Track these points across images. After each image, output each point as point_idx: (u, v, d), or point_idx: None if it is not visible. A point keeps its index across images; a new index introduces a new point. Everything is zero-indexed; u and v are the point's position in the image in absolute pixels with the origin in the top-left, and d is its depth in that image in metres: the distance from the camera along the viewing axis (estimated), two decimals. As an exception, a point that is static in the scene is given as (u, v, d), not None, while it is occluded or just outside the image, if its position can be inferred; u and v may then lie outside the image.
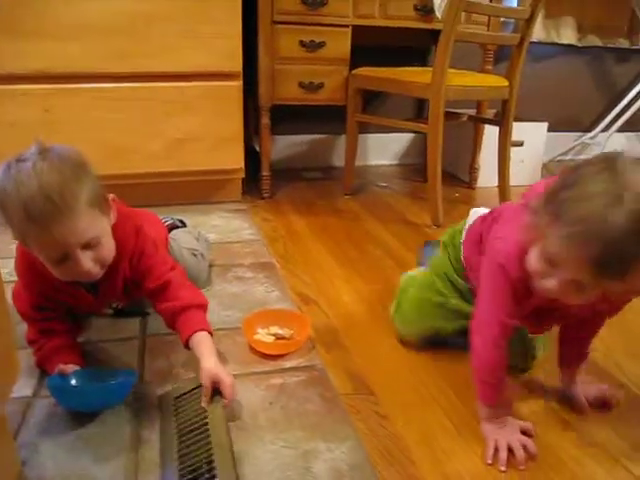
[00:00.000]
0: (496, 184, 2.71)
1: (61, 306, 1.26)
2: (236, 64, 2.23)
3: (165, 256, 1.34)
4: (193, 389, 1.15)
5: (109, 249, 1.16)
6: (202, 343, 1.18)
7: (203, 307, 1.26)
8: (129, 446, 1.06)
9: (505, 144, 2.56)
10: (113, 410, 1.14)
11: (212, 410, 1.09)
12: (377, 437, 1.12)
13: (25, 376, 1.22)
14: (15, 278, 1.24)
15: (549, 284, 0.93)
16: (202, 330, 1.19)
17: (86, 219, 1.07)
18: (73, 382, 1.14)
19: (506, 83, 2.42)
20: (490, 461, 1.06)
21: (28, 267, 1.19)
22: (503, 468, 1.05)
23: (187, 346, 1.20)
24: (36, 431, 1.09)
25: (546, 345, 1.35)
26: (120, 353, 1.34)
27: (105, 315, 1.44)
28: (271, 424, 1.12)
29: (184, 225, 1.79)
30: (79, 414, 1.12)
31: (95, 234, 1.10)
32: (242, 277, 1.76)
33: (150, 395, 1.19)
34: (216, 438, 1.02)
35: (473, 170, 2.95)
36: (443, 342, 1.41)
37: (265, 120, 2.47)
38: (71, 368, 1.17)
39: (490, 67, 2.78)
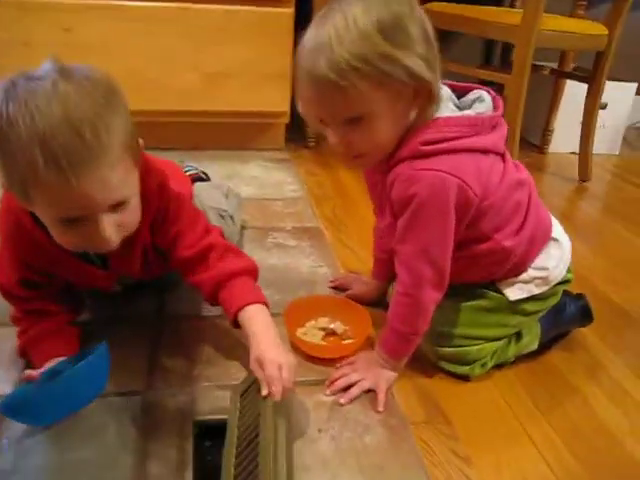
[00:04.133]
0: (570, 150, 2.48)
1: (56, 282, 0.99)
2: (288, -15, 1.90)
3: (196, 216, 1.05)
4: (253, 380, 0.89)
5: (136, 214, 0.88)
6: (255, 319, 0.94)
7: (253, 273, 1.03)
8: (135, 470, 0.80)
9: (593, 105, 2.21)
10: (113, 429, 0.87)
11: (262, 409, 0.82)
12: (459, 492, 0.84)
13: (6, 366, 0.97)
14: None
15: (331, 140, 0.91)
16: (255, 302, 0.95)
17: (120, 170, 0.79)
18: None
19: (605, 32, 2.06)
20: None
21: (14, 229, 0.90)
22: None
23: (236, 324, 0.96)
24: (13, 455, 0.82)
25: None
26: (127, 339, 1.06)
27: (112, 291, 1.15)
28: (319, 464, 0.84)
29: (209, 179, 1.49)
30: (66, 430, 0.86)
31: (127, 193, 0.83)
32: (283, 245, 1.47)
33: (161, 406, 0.92)
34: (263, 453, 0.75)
35: (547, 132, 2.60)
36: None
37: (317, 58, 2.13)
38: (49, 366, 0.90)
39: (582, 12, 2.38)
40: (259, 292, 0.99)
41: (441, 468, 0.87)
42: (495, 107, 0.97)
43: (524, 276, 1.05)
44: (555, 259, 1.07)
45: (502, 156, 0.99)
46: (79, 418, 0.87)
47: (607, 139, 2.66)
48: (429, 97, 0.88)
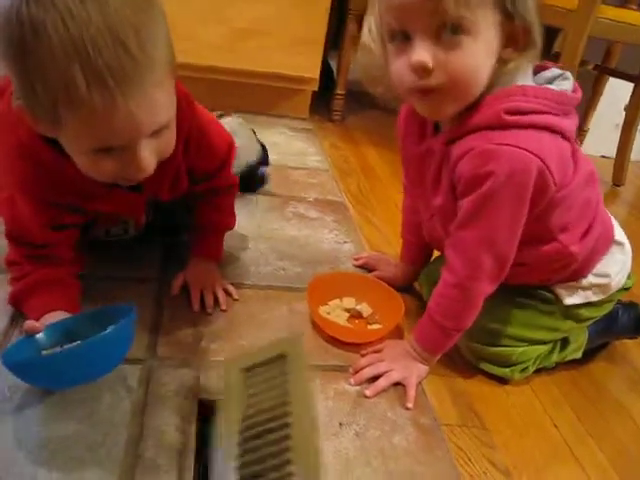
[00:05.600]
0: (600, 153, 2.38)
1: (82, 218, 0.87)
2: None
3: (220, 130, 0.99)
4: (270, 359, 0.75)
5: (173, 138, 0.77)
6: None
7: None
8: (126, 452, 0.68)
9: (637, 107, 2.08)
10: (106, 401, 0.75)
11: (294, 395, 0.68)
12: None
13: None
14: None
15: (413, 57, 0.74)
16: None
17: (166, 88, 0.69)
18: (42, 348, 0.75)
19: (664, 27, 1.92)
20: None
21: (32, 168, 0.78)
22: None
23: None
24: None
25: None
26: (128, 300, 0.93)
27: (119, 238, 1.03)
28: (341, 463, 0.73)
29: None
30: (53, 398, 0.74)
31: (171, 115, 0.72)
32: (305, 216, 1.34)
33: (162, 379, 0.80)
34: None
35: (580, 132, 2.47)
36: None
37: (352, 27, 2.01)
38: (49, 320, 0.78)
39: (635, 6, 2.25)
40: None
41: (478, 478, 0.76)
42: (574, 89, 0.84)
43: (583, 282, 0.93)
44: (618, 265, 0.95)
45: (571, 143, 0.86)
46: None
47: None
48: (525, 46, 0.75)
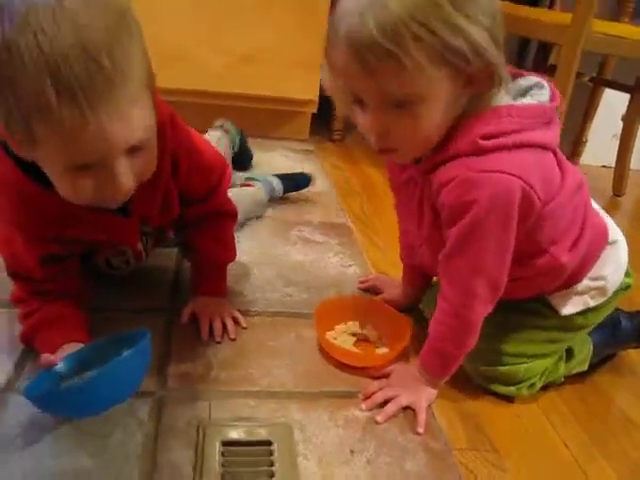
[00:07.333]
0: (600, 164, 2.40)
1: (76, 249, 0.88)
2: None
3: (212, 151, 1.00)
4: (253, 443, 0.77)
5: (153, 159, 0.76)
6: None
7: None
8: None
9: (634, 117, 2.09)
10: (118, 434, 0.75)
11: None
12: (512, 534, 0.73)
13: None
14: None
15: (364, 125, 0.78)
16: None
17: (141, 106, 0.68)
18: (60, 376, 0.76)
19: (658, 40, 1.93)
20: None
21: (16, 201, 0.78)
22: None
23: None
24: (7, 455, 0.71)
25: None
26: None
27: (122, 270, 1.03)
28: (353, 491, 0.73)
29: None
30: (63, 432, 0.75)
31: (147, 134, 0.71)
32: (310, 240, 1.35)
33: (173, 412, 0.81)
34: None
35: (579, 143, 2.47)
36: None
37: (349, 47, 2.02)
38: (64, 352, 0.79)
39: (628, 19, 2.27)
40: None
41: (491, 503, 0.76)
42: (552, 97, 0.82)
43: (577, 287, 0.92)
44: (612, 264, 0.94)
45: (554, 153, 0.85)
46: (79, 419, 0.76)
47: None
48: (490, 81, 0.74)
